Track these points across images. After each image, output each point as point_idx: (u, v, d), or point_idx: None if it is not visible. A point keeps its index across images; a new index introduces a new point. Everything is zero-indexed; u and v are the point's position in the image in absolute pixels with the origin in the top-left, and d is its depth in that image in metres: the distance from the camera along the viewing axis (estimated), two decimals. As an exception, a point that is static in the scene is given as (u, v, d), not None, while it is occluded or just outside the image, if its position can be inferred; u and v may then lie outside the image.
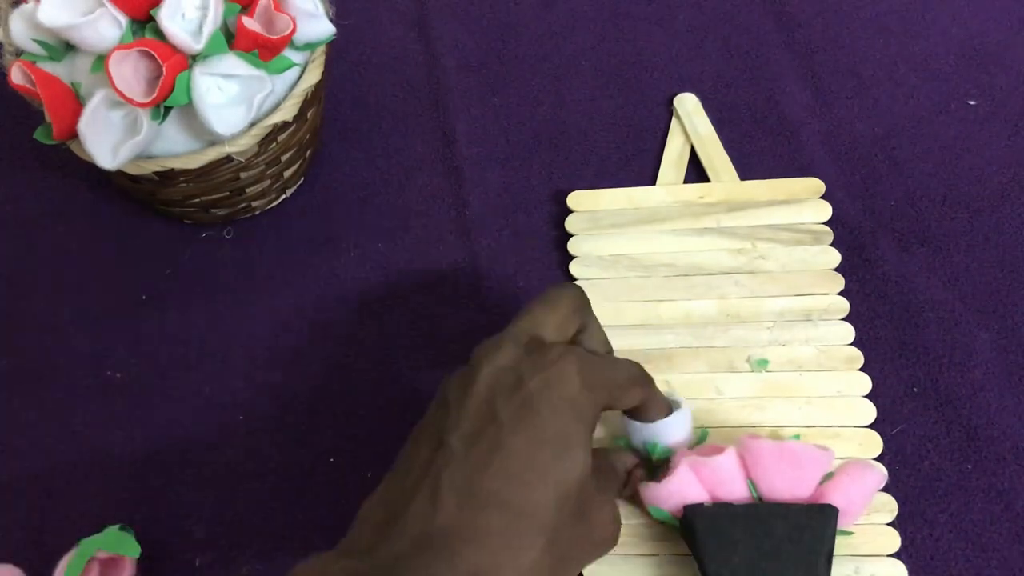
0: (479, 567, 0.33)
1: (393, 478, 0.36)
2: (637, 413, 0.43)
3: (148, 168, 0.50)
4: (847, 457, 0.47)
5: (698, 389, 0.50)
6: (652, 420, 0.43)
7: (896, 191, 0.57)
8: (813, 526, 0.41)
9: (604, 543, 0.38)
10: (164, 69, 0.46)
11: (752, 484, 0.43)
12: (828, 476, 0.44)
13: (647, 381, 0.41)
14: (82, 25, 0.46)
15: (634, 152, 0.60)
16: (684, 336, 0.52)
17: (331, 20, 0.52)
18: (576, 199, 0.57)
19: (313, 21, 0.51)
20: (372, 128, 0.63)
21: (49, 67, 0.49)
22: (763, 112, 0.61)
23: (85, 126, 0.47)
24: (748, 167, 0.58)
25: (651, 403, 0.42)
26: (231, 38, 0.49)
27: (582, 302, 0.41)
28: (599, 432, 0.49)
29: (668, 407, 0.43)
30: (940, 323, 0.52)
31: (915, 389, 0.50)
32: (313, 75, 0.52)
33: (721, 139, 0.59)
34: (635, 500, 0.46)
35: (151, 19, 0.48)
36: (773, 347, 0.51)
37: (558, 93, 0.63)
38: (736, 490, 0.43)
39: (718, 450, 0.44)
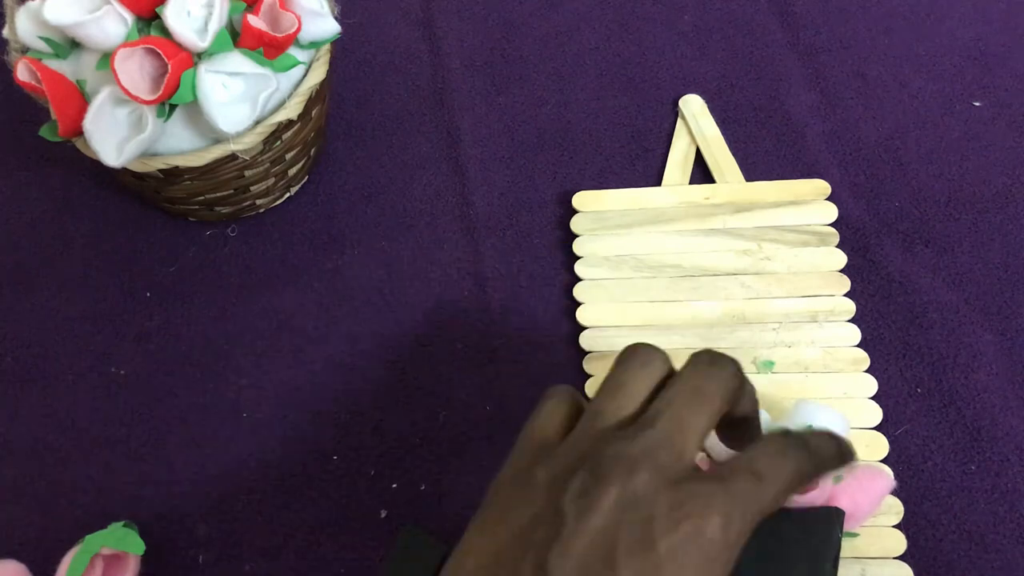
0: None
1: (481, 548, 0.32)
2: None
3: (153, 165, 0.50)
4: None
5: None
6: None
7: (901, 192, 0.57)
8: (819, 529, 0.40)
9: None
10: (169, 67, 0.46)
11: None
12: (838, 478, 0.44)
13: (812, 472, 0.34)
14: (88, 22, 0.46)
15: (639, 153, 0.60)
16: (690, 337, 0.52)
17: (336, 18, 0.52)
18: (581, 199, 0.57)
19: (318, 19, 0.51)
20: (377, 127, 0.62)
21: (55, 64, 0.49)
22: (768, 113, 0.61)
23: (90, 123, 0.47)
24: (753, 168, 0.58)
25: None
26: (236, 36, 0.49)
27: (737, 382, 0.35)
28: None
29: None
30: (944, 324, 0.52)
31: (919, 390, 0.50)
32: (318, 73, 0.52)
33: (726, 140, 0.59)
34: None
35: (157, 17, 0.48)
36: (779, 348, 0.51)
37: (563, 93, 0.63)
38: None
39: None
